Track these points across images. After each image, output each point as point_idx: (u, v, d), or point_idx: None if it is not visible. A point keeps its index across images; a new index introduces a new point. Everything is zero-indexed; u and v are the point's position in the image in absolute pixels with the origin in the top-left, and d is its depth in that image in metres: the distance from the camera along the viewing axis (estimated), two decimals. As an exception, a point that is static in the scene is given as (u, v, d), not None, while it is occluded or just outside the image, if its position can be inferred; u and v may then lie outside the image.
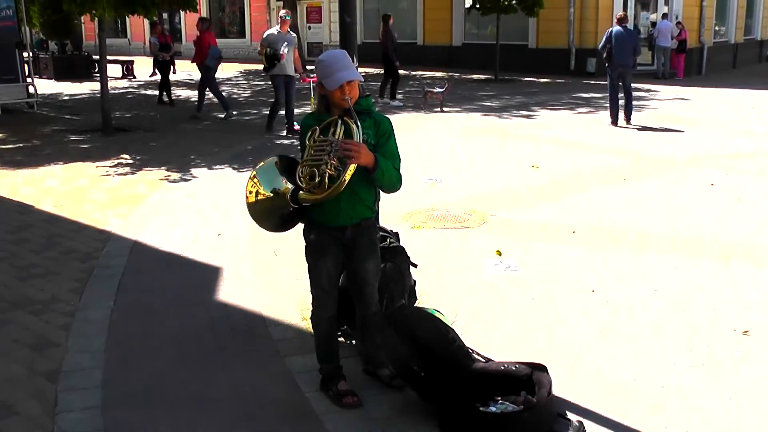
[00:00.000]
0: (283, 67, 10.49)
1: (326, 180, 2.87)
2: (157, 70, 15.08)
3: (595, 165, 8.43)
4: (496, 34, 18.68)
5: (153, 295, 4.58)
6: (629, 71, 11.60)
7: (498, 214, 6.32)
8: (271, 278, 4.85)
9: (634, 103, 12.03)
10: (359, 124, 2.92)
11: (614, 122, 11.54)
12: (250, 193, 3.11)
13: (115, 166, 8.73)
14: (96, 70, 21.30)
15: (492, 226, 5.99)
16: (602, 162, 8.59)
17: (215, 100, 13.33)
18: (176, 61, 15.57)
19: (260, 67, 12.17)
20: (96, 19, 11.12)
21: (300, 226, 3.25)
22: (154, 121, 12.72)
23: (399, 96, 14.82)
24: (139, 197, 7.13)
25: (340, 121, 2.95)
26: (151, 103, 15.58)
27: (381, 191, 3.15)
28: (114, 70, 22.22)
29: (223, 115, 12.76)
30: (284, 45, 10.29)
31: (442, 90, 13.29)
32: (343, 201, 3.02)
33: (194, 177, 8.01)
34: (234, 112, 13.05)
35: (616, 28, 11.49)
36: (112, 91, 17.72)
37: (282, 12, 10.81)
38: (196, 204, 6.84)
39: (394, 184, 3.04)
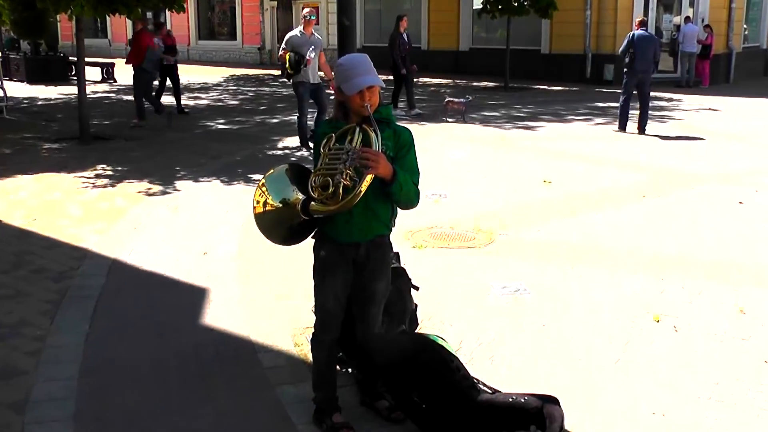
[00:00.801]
0: (308, 74, 10.10)
1: (340, 190, 2.90)
2: (158, 75, 14.71)
3: (613, 180, 8.48)
4: (507, 38, 18.80)
5: (132, 318, 4.60)
6: (649, 78, 11.75)
7: (506, 233, 6.35)
8: (261, 300, 4.87)
9: (655, 113, 12.14)
10: (379, 132, 2.95)
11: (623, 129, 11.77)
12: (258, 202, 3.16)
13: (92, 177, 8.77)
14: (73, 72, 21.33)
15: (500, 245, 6.02)
16: (620, 177, 8.64)
17: (208, 103, 13.39)
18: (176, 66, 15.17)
19: (252, 72, 12.16)
20: (73, 17, 11.19)
21: (307, 242, 3.27)
22: (135, 128, 12.79)
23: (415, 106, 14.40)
24: (118, 212, 7.17)
25: (358, 129, 2.98)
26: (133, 109, 15.65)
27: (398, 207, 3.17)
28: (93, 73, 22.34)
29: (135, 122, 12.68)
30: (311, 49, 9.94)
31: (464, 101, 13.19)
32: (357, 215, 3.05)
33: (178, 190, 8.06)
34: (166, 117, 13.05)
35: (638, 31, 11.62)
36: (91, 96, 17.82)
37: (306, 11, 10.33)
38: (180, 219, 6.88)
39: (411, 199, 3.06)
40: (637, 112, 11.95)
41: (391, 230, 3.22)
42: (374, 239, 3.14)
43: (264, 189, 3.15)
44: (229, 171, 9.01)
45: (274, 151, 10.56)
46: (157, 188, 8.14)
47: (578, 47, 20.73)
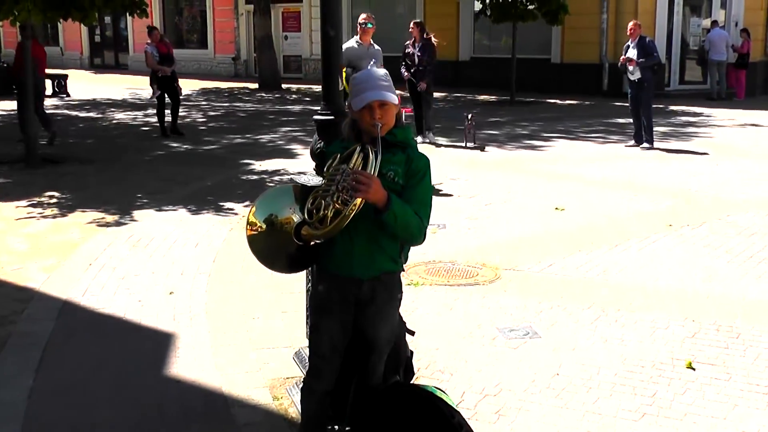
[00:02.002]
0: None
1: (329, 214, 2.96)
2: (156, 89, 14.22)
3: (634, 207, 8.53)
4: (512, 47, 18.99)
5: (86, 370, 4.58)
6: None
7: (514, 268, 6.38)
8: (235, 346, 4.86)
9: (682, 129, 12.34)
10: (379, 154, 3.01)
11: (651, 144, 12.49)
12: (250, 224, 3.22)
13: (40, 206, 8.77)
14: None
15: (507, 282, 6.04)
16: (642, 203, 8.70)
17: (176, 116, 13.37)
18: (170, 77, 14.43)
19: (225, 85, 12.08)
20: (18, 23, 11.17)
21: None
22: (93, 150, 12.82)
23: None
24: (70, 246, 7.16)
25: (359, 149, 3.05)
26: (91, 128, 15.71)
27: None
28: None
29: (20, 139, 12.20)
30: (371, 63, 9.83)
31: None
32: (359, 246, 3.09)
33: (140, 221, 8.06)
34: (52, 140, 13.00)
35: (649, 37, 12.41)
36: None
37: (362, 18, 9.95)
38: (142, 254, 6.87)
39: (412, 233, 3.08)
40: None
41: (401, 267, 3.25)
42: (379, 276, 3.16)
43: (255, 209, 3.22)
44: (198, 199, 9.03)
45: (249, 176, 10.59)
46: (115, 218, 8.14)
47: (593, 56, 20.95)
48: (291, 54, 28.58)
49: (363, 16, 10.00)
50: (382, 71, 3.20)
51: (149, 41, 14.42)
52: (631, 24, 12.57)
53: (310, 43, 27.56)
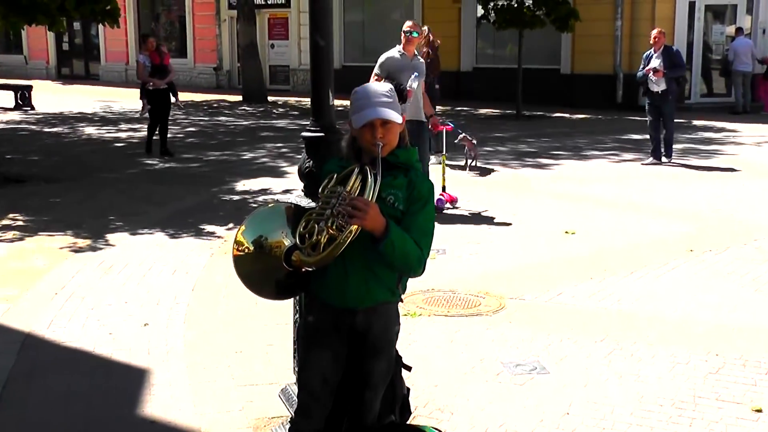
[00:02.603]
0: (406, 110, 8.97)
1: (322, 240, 2.99)
2: (146, 103, 13.97)
3: (651, 230, 8.56)
4: (518, 56, 19.06)
5: (50, 409, 4.56)
6: None
7: (520, 298, 6.40)
8: (215, 384, 4.86)
9: (703, 147, 12.44)
10: (378, 177, 3.05)
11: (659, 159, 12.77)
12: (238, 243, 3.25)
13: (1, 229, 8.78)
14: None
15: (512, 313, 6.06)
16: (660, 226, 8.73)
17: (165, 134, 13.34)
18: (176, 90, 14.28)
19: (206, 97, 12.02)
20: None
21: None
22: (60, 168, 12.83)
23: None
24: (34, 273, 7.16)
25: (357, 170, 3.09)
26: (58, 144, 15.72)
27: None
28: (4, 98, 22.46)
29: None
30: (413, 76, 9.26)
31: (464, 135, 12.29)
32: (353, 275, 3.12)
33: (113, 245, 8.06)
34: None
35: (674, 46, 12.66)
36: (1, 127, 17.90)
37: (407, 25, 9.60)
38: (115, 282, 6.87)
39: (410, 265, 3.11)
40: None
41: (398, 298, 3.29)
42: (375, 307, 3.19)
43: (243, 228, 3.25)
44: (176, 221, 9.05)
45: (232, 196, 10.62)
46: (85, 243, 8.14)
47: (606, 66, 21.06)
48: (278, 64, 28.65)
49: (408, 23, 9.69)
50: (386, 87, 3.24)
51: (143, 50, 14.16)
52: (655, 32, 12.77)
53: (298, 52, 27.59)
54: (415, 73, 9.30)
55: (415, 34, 9.53)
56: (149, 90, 13.91)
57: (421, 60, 9.78)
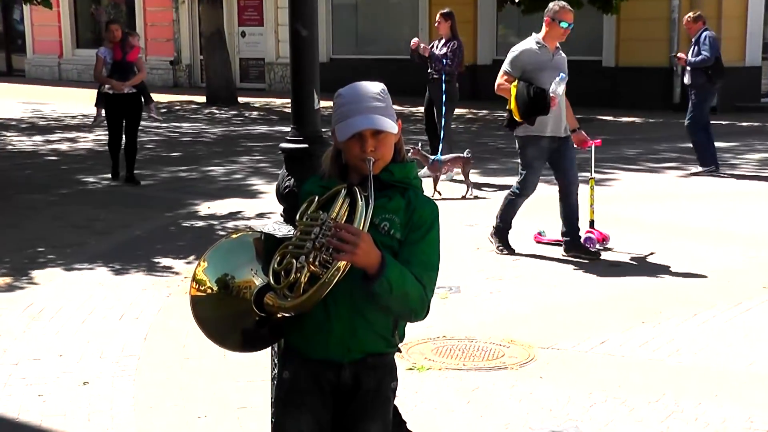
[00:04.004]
0: (548, 123, 8.64)
1: (302, 279, 2.97)
2: (99, 110, 13.16)
3: (716, 262, 8.54)
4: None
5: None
6: None
7: (553, 346, 6.38)
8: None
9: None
10: (371, 200, 3.03)
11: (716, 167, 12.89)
12: (198, 282, 3.20)
13: None
14: None
15: (543, 365, 6.04)
16: (728, 257, 8.71)
17: (90, 147, 13.36)
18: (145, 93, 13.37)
19: (161, 97, 11.91)
20: None
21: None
22: None
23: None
24: (-53, 319, 7.15)
25: (344, 192, 3.08)
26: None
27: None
28: None
29: None
30: (558, 78, 8.62)
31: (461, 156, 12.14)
32: (338, 320, 3.10)
33: (43, 284, 8.05)
34: None
35: (710, 32, 12.85)
36: None
37: (556, 4, 8.74)
38: (45, 331, 6.85)
39: (411, 308, 3.09)
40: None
41: (395, 347, 3.28)
42: (365, 359, 3.18)
43: (204, 263, 3.22)
44: (124, 254, 9.02)
45: (194, 222, 10.61)
46: (6, 281, 8.12)
47: (660, 57, 21.09)
48: (250, 56, 28.62)
49: (560, 2, 8.73)
50: (377, 87, 3.20)
51: (104, 42, 13.30)
52: (687, 16, 13.24)
53: (275, 42, 27.58)
54: (561, 74, 8.65)
55: (565, 25, 8.65)
56: (108, 94, 12.97)
57: (563, 55, 9.04)
